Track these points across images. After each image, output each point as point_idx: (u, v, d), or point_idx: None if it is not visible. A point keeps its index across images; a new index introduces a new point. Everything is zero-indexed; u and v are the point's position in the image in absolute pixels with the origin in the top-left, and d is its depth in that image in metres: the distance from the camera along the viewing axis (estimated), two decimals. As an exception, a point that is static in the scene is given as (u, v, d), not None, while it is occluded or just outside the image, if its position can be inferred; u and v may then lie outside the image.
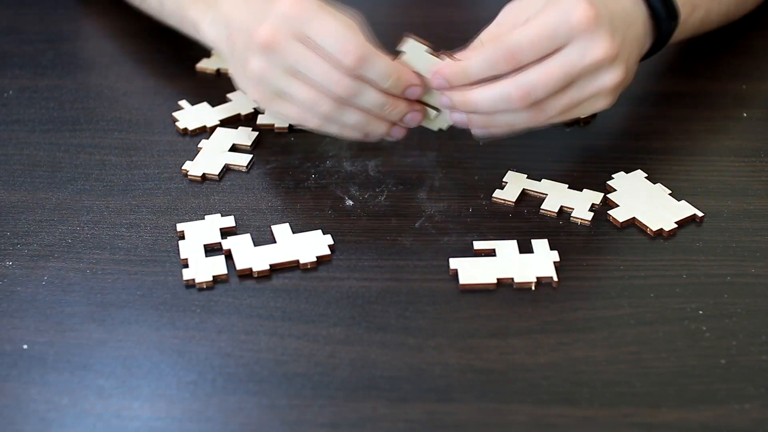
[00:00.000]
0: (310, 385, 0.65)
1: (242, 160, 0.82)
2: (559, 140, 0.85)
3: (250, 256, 0.73)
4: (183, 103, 0.89)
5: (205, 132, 0.86)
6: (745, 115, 0.88)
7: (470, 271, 0.72)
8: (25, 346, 0.68)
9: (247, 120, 0.87)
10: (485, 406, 0.64)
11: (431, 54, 0.74)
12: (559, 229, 0.76)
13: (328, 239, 0.75)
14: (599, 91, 0.74)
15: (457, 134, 0.84)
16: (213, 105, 0.89)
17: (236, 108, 0.88)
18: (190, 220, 0.77)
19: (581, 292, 0.71)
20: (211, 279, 0.72)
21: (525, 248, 0.74)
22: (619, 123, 0.87)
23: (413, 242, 0.75)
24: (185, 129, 0.86)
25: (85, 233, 0.76)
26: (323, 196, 0.79)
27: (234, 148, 0.84)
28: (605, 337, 0.68)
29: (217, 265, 0.73)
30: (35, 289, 0.72)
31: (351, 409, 0.63)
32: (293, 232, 0.75)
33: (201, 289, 0.71)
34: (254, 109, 0.88)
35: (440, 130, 0.79)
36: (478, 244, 0.74)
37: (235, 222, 0.76)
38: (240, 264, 0.73)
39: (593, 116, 0.86)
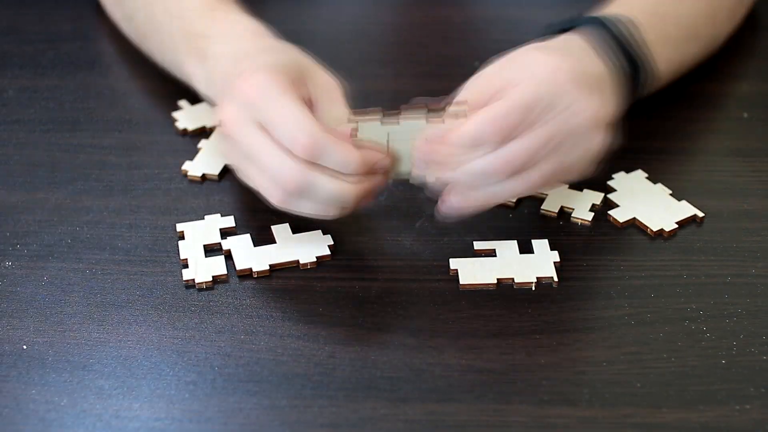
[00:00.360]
0: (310, 385, 0.65)
1: None
2: (559, 140, 0.84)
3: (250, 256, 0.73)
4: (183, 103, 0.89)
5: (204, 132, 0.86)
6: (745, 115, 0.88)
7: (470, 271, 0.72)
8: (24, 346, 0.68)
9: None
10: (485, 406, 0.64)
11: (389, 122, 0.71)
12: (559, 229, 0.76)
13: (328, 239, 0.75)
14: (585, 155, 0.70)
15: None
16: (212, 105, 0.89)
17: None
18: (190, 220, 0.77)
19: (581, 292, 0.71)
20: (210, 279, 0.72)
21: (525, 248, 0.74)
22: (618, 123, 0.87)
23: (413, 242, 0.75)
24: (185, 129, 0.86)
25: (85, 233, 0.76)
26: (323, 196, 0.79)
27: None
28: (605, 337, 0.68)
29: (217, 265, 0.73)
30: (35, 289, 0.72)
31: (351, 409, 0.63)
32: (293, 232, 0.75)
33: (201, 290, 0.71)
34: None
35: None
36: (478, 245, 0.74)
37: (235, 222, 0.76)
38: (240, 264, 0.73)
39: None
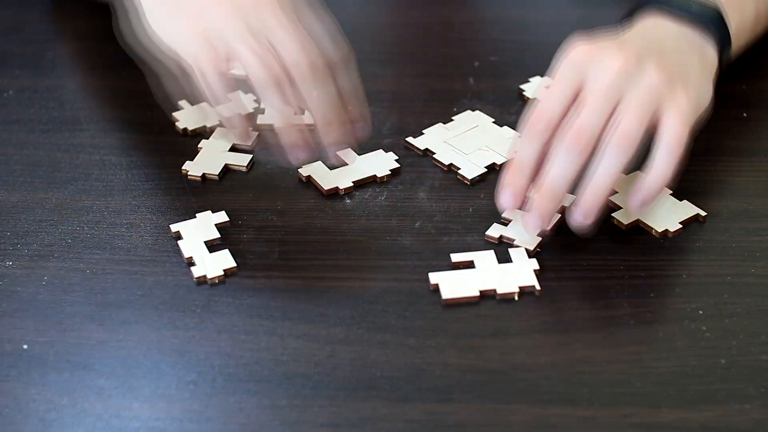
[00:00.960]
0: (310, 385, 0.65)
1: (242, 160, 0.82)
2: (559, 140, 0.84)
3: (331, 176, 0.79)
4: (183, 103, 0.89)
5: (205, 132, 0.86)
6: (745, 115, 0.88)
7: (451, 285, 0.71)
8: (25, 346, 0.68)
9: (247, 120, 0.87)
10: (485, 406, 0.64)
11: None
12: (559, 229, 0.76)
13: (393, 156, 0.82)
14: (645, 100, 0.71)
15: (457, 134, 0.84)
16: (213, 105, 0.88)
17: (236, 108, 0.88)
18: (190, 219, 0.77)
19: (581, 292, 0.71)
20: (222, 273, 0.72)
21: (503, 258, 0.73)
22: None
23: (413, 242, 0.75)
24: (185, 129, 0.86)
25: (85, 233, 0.76)
26: (323, 196, 0.79)
27: (234, 148, 0.84)
28: (605, 337, 0.68)
29: (225, 259, 0.73)
30: (35, 289, 0.72)
31: (351, 409, 0.63)
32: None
33: (213, 285, 0.71)
34: (254, 109, 0.88)
35: None
36: (455, 257, 0.73)
37: (235, 222, 0.76)
38: (326, 186, 0.78)
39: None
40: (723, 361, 0.66)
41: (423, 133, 0.85)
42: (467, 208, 0.78)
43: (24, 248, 0.75)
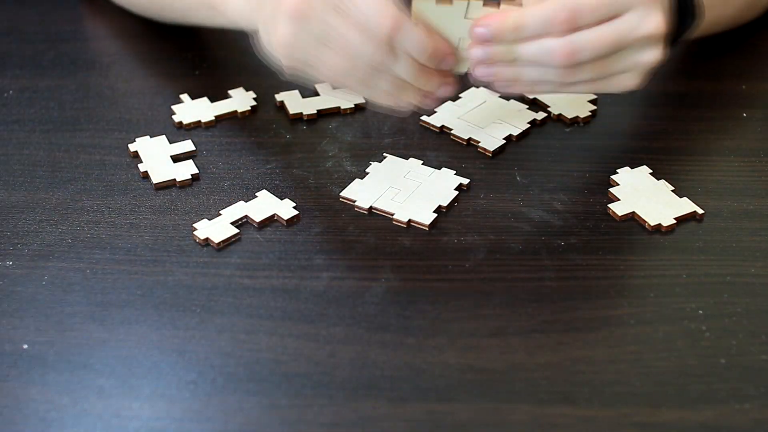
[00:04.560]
0: (310, 385, 0.65)
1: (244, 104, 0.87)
2: (559, 140, 0.85)
3: (300, 104, 0.87)
4: (184, 96, 0.89)
5: (199, 127, 0.86)
6: (745, 115, 0.88)
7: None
8: (25, 346, 0.68)
9: (243, 118, 0.87)
10: (485, 406, 0.64)
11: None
12: (560, 230, 0.76)
13: (358, 98, 0.87)
14: (635, 67, 0.72)
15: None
16: (213, 101, 0.89)
17: (233, 105, 0.88)
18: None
19: (581, 292, 0.71)
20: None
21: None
22: (619, 123, 0.87)
23: (413, 242, 0.75)
24: (180, 123, 0.86)
25: (85, 233, 0.76)
26: (323, 196, 0.79)
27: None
28: (605, 337, 0.68)
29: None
30: (35, 289, 0.72)
31: (351, 409, 0.63)
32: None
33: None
34: (251, 107, 0.88)
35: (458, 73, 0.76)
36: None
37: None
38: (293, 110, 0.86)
39: (593, 115, 0.87)
40: (723, 361, 0.66)
41: (435, 112, 0.87)
42: (468, 208, 0.78)
43: (24, 248, 0.75)
